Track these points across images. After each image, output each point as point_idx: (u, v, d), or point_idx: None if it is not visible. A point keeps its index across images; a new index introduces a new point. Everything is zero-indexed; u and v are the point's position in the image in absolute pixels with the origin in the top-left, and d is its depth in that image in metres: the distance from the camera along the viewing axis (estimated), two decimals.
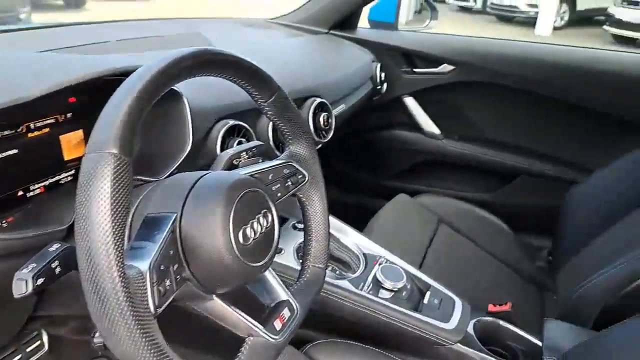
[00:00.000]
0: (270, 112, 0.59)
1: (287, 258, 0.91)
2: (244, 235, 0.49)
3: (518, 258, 1.31)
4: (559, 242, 1.27)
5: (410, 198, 1.39)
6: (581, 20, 8.78)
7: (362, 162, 1.75)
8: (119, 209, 0.38)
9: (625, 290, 0.85)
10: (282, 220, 1.01)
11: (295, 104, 0.63)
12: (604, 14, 7.66)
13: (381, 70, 1.50)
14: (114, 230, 0.37)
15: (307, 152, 0.66)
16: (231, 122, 0.78)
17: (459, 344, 0.83)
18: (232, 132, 0.78)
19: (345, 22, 1.57)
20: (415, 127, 1.61)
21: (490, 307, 1.00)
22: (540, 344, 0.84)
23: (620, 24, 7.13)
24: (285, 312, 0.58)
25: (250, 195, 0.51)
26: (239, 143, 0.76)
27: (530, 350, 0.86)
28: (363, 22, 1.67)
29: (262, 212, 0.52)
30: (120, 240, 0.37)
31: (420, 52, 1.54)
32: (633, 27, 6.92)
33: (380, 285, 0.89)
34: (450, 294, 0.93)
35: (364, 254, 0.98)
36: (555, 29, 8.28)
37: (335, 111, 1.16)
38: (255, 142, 0.72)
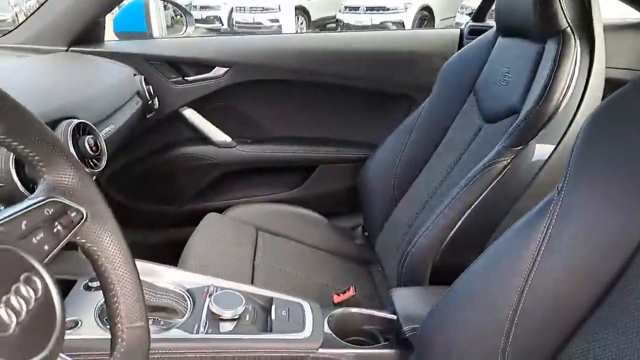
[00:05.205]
0: None
1: (88, 330, 0.69)
2: None
3: (339, 242, 1.32)
4: (368, 216, 1.33)
5: (220, 215, 1.26)
6: (317, 27, 10.02)
7: (156, 190, 1.53)
8: None
9: (444, 244, 0.90)
10: (68, 285, 0.76)
11: None
12: (334, 21, 8.94)
13: (147, 83, 1.31)
14: None
15: (75, 177, 0.46)
16: None
17: (320, 349, 0.75)
18: None
19: (87, 37, 1.33)
20: (204, 139, 1.48)
21: (336, 298, 0.95)
22: (394, 317, 0.82)
23: (348, 27, 8.50)
24: None
25: None
26: None
27: (386, 327, 0.84)
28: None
29: (23, 277, 0.33)
30: None
31: (188, 59, 1.42)
32: (357, 28, 8.36)
33: (218, 319, 0.74)
34: (295, 299, 0.84)
35: (187, 290, 0.81)
36: None
37: (104, 133, 0.94)
38: None
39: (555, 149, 0.89)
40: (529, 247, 0.55)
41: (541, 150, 0.89)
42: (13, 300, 0.31)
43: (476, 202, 0.88)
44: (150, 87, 1.32)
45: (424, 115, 1.22)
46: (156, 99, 1.35)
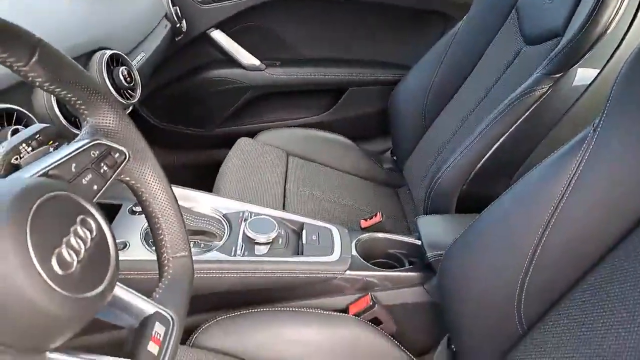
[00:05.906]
0: (39, 79, 0.40)
1: (136, 251, 0.75)
2: (61, 261, 0.33)
3: (367, 166, 1.34)
4: (397, 141, 1.32)
5: (251, 139, 1.29)
6: None
7: (186, 114, 1.56)
8: None
9: (473, 173, 0.90)
10: (112, 212, 0.82)
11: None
12: None
13: (173, 4, 1.28)
14: None
15: (116, 120, 0.48)
16: None
17: (348, 271, 0.80)
18: None
19: None
20: (233, 62, 1.47)
21: (363, 223, 0.99)
22: (418, 242, 0.85)
23: None
24: (158, 328, 0.45)
25: (50, 203, 0.34)
26: (14, 133, 0.55)
27: (411, 252, 0.88)
28: None
29: (79, 219, 0.36)
30: None
31: None
32: None
33: (253, 242, 0.80)
34: (324, 224, 0.88)
35: (224, 215, 0.86)
36: None
37: (136, 62, 0.95)
38: (36, 126, 0.52)
39: (599, 74, 0.84)
40: (558, 183, 0.56)
41: (584, 74, 0.85)
42: (72, 241, 0.34)
43: (508, 132, 0.87)
44: (178, 8, 1.30)
45: (460, 35, 1.16)
46: (184, 21, 1.32)
